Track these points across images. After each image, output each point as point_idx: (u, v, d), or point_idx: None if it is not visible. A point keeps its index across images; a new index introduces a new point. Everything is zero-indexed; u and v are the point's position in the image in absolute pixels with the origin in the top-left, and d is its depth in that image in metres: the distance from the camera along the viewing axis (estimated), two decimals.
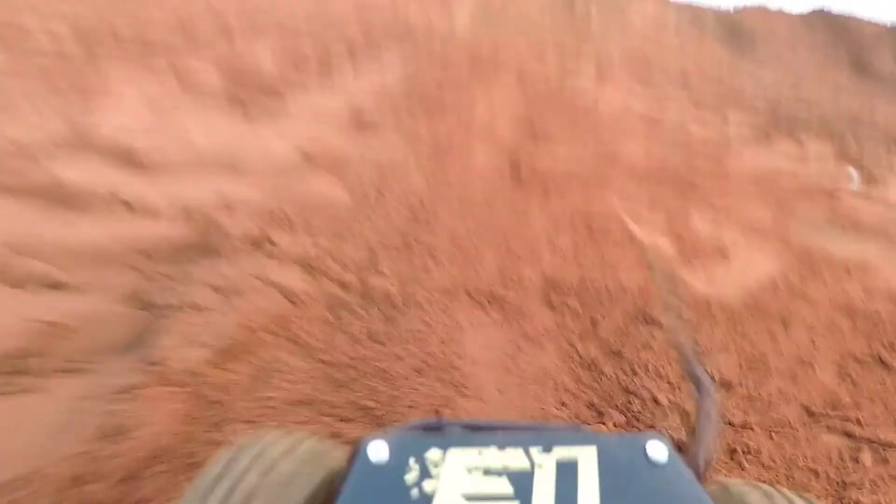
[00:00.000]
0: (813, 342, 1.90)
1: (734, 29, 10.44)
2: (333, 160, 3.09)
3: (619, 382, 1.57)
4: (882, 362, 1.83)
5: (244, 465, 0.61)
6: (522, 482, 0.50)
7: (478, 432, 0.59)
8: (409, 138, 3.67)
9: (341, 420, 1.35)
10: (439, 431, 0.62)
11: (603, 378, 1.58)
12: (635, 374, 1.60)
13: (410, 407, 1.40)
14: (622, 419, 1.43)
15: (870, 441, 1.47)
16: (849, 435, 1.49)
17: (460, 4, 8.76)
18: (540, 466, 0.52)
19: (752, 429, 1.45)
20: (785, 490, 0.67)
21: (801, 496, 0.66)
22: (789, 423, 1.50)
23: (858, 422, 1.53)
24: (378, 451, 0.54)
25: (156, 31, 4.69)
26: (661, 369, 1.63)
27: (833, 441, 1.46)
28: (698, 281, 2.22)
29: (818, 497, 1.28)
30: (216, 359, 1.46)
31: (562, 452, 0.53)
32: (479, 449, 0.54)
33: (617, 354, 1.70)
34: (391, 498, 0.50)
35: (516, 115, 4.74)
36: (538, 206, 2.87)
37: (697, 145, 4.60)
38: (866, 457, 1.41)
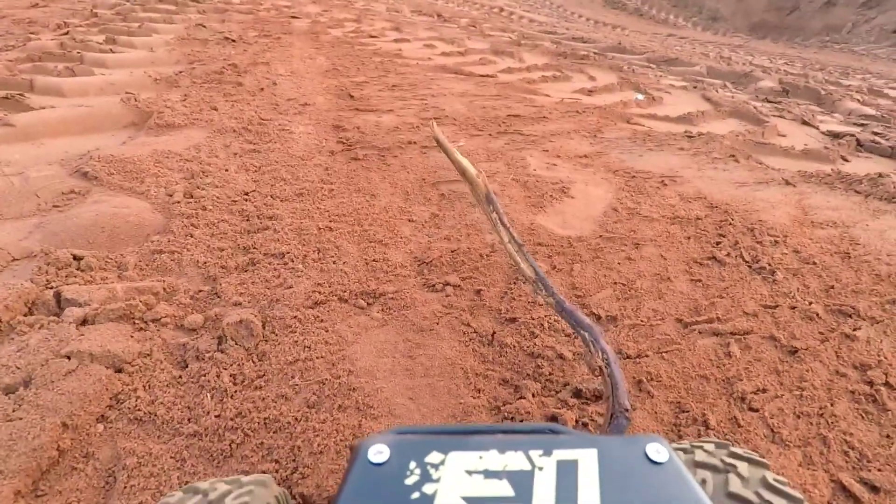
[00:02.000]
0: (662, 256, 2.09)
1: None
2: (122, 172, 2.51)
3: (522, 349, 1.52)
4: (716, 259, 2.08)
5: None
6: (523, 484, 0.50)
7: (474, 436, 0.59)
8: (213, 129, 3.16)
9: None
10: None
11: (506, 350, 1.52)
12: (534, 335, 1.57)
13: (319, 453, 1.17)
14: (538, 386, 1.39)
15: (732, 334, 1.65)
16: (716, 334, 1.65)
17: None
18: (540, 469, 0.52)
19: (647, 356, 1.53)
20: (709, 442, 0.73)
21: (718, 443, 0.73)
22: (672, 339, 1.61)
23: (719, 319, 1.71)
24: (378, 452, 0.54)
25: None
26: (554, 323, 1.63)
27: (707, 343, 1.61)
28: (555, 225, 2.28)
29: (713, 403, 1.39)
30: (30, 486, 1.05)
31: (562, 455, 0.53)
32: (480, 452, 0.54)
33: (510, 319, 1.65)
34: (390, 499, 0.49)
35: (325, 85, 4.41)
36: (381, 179, 2.69)
37: (508, 90, 4.79)
38: (735, 349, 1.58)
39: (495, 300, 1.74)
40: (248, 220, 2.18)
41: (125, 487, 1.08)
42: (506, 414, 1.28)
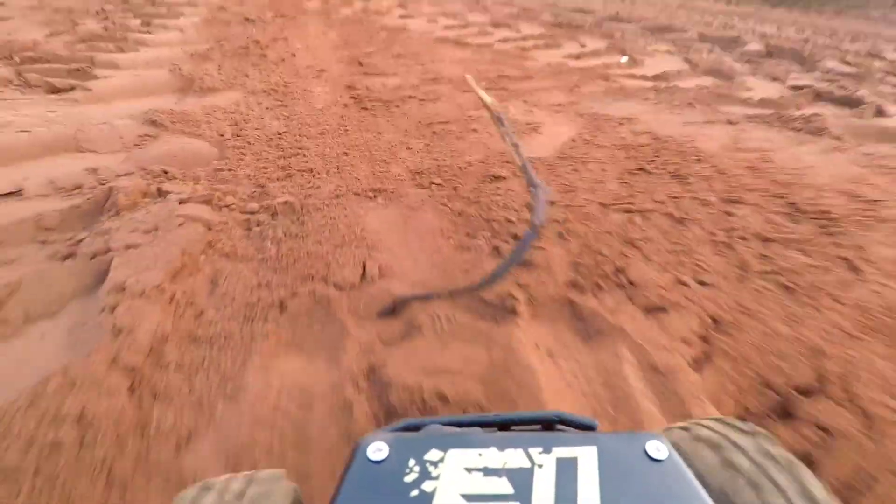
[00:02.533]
0: (603, 169, 2.69)
1: None
2: (181, 121, 3.17)
3: (481, 217, 2.16)
4: (645, 171, 2.67)
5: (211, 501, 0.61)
6: (522, 481, 0.51)
7: (476, 433, 0.61)
8: (247, 91, 3.81)
9: (297, 287, 1.74)
10: (418, 431, 0.63)
11: (471, 218, 2.16)
12: (491, 210, 2.20)
13: (343, 266, 1.82)
14: (489, 234, 2.03)
15: (639, 212, 2.26)
16: (626, 211, 2.26)
17: None
18: (540, 466, 0.52)
19: (570, 221, 2.15)
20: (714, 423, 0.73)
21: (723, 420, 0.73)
22: (592, 214, 2.22)
23: (632, 204, 2.32)
24: (377, 451, 0.54)
25: None
26: (507, 204, 2.25)
27: (618, 217, 2.22)
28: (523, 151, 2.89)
29: (609, 244, 2.01)
30: (171, 277, 1.72)
31: (562, 452, 0.54)
32: (480, 450, 0.54)
33: (476, 202, 2.28)
34: (390, 497, 0.50)
35: (337, 55, 5.01)
36: (386, 122, 3.32)
37: (501, 56, 5.35)
38: (637, 220, 2.19)
39: (466, 192, 2.37)
40: (283, 151, 2.83)
41: (223, 284, 1.75)
42: (464, 247, 1.93)
